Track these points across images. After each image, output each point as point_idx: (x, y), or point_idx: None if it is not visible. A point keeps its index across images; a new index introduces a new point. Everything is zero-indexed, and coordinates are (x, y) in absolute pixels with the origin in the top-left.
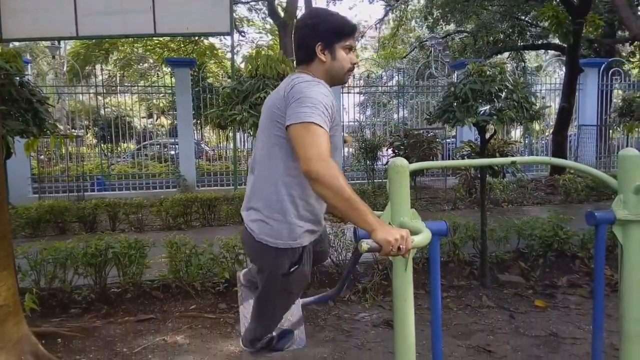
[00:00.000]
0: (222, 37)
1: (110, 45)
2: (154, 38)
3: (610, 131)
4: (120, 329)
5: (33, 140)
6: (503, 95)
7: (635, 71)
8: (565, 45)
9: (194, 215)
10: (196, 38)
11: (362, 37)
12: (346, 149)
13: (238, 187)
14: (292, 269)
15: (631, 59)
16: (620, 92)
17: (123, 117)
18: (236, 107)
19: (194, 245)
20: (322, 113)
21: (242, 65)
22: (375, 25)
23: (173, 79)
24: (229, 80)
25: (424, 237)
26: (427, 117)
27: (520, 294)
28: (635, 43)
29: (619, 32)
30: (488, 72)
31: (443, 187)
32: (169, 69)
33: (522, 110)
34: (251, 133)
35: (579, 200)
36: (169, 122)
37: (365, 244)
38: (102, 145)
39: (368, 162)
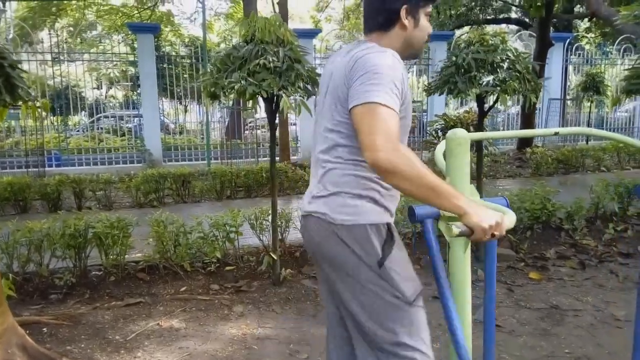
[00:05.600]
0: (180, 3)
1: (58, 10)
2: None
3: (570, 103)
4: (109, 315)
5: (2, 110)
6: (506, 65)
7: (588, 47)
8: (526, 20)
9: (166, 192)
10: (153, 3)
11: (326, 7)
12: None
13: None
14: (385, 250)
15: (587, 35)
16: (573, 67)
17: (73, 88)
18: (232, 75)
19: (182, 224)
20: (391, 90)
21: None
22: None
23: (126, 48)
24: (184, 49)
25: (511, 219)
26: (426, 88)
27: (513, 267)
28: (593, 19)
29: (577, 8)
30: (490, 41)
31: None
32: (121, 36)
33: (525, 82)
34: (245, 103)
35: (548, 173)
36: (123, 93)
37: (455, 228)
38: (54, 117)
39: None
